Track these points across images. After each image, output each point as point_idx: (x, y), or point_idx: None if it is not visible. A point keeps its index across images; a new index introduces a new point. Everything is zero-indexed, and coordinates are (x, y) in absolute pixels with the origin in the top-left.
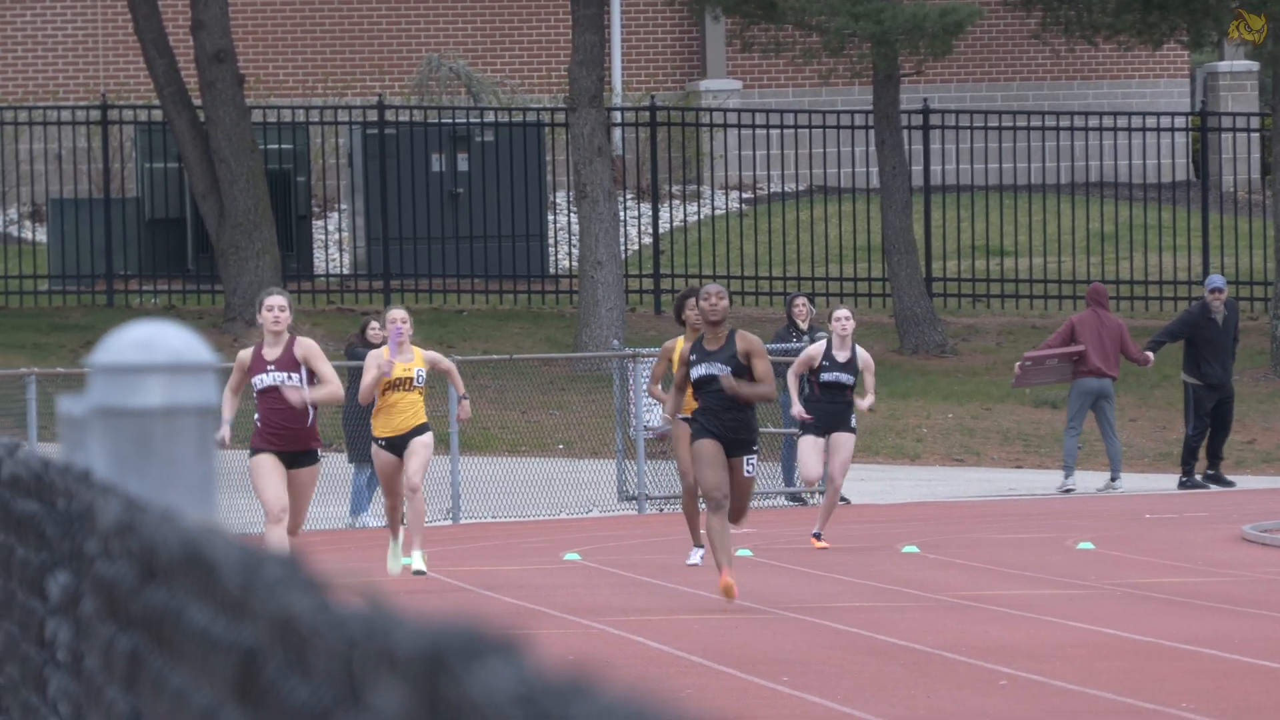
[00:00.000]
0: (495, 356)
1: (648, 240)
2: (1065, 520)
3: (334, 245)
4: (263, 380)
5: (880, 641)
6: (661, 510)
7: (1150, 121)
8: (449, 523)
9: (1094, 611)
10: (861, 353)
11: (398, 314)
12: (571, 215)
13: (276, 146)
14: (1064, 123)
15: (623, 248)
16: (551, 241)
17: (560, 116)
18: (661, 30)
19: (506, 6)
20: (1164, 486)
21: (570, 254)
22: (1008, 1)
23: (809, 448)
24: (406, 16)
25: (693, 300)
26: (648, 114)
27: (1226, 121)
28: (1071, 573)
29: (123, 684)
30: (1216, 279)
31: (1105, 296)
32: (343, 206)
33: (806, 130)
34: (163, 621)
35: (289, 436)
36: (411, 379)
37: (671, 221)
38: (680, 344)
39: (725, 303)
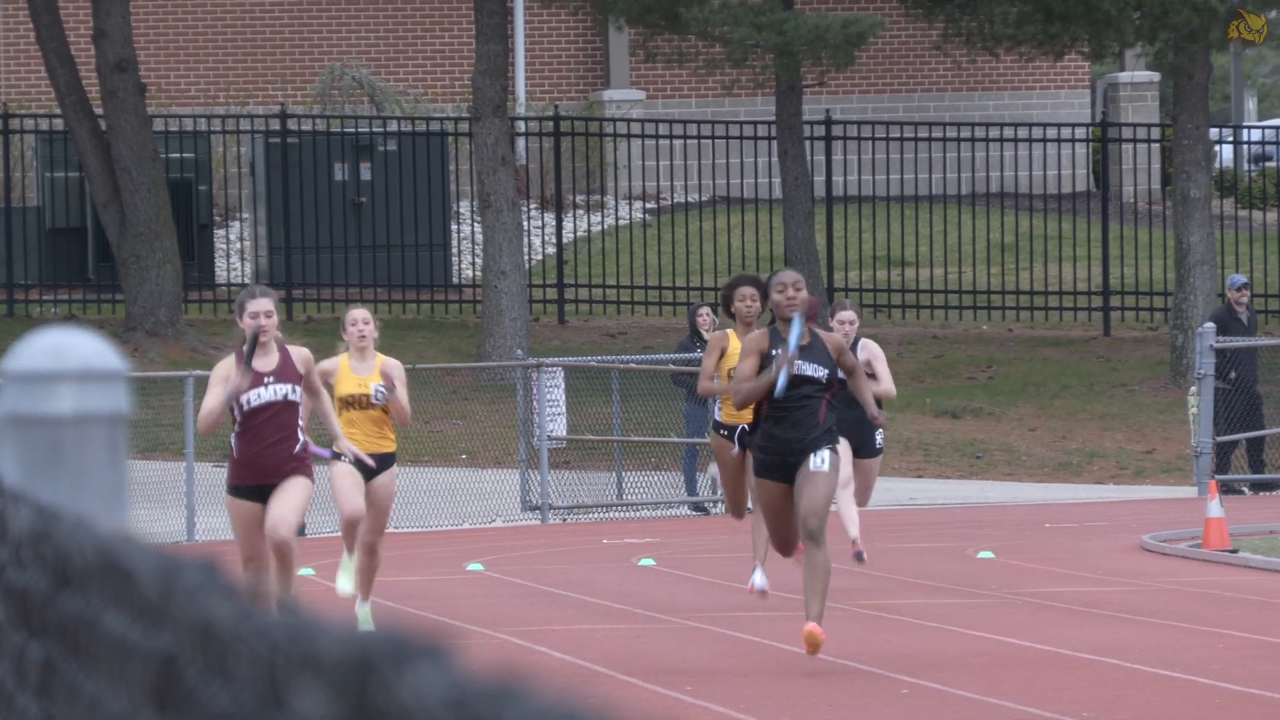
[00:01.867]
0: (406, 366)
1: (551, 250)
2: (966, 529)
3: (235, 254)
4: (260, 395)
5: (783, 651)
6: (565, 520)
7: (1051, 132)
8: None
9: (995, 620)
10: (871, 346)
11: (359, 314)
12: (475, 225)
13: (178, 155)
14: (965, 134)
15: (526, 257)
16: (455, 251)
17: (464, 126)
18: (565, 40)
19: (410, 16)
20: (1064, 496)
21: (474, 264)
22: (910, 13)
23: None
24: (309, 25)
25: (743, 289)
26: (551, 124)
27: (1127, 132)
28: (972, 582)
29: (35, 692)
30: (1238, 277)
31: (817, 309)
32: (244, 215)
33: (710, 140)
34: (77, 629)
35: (272, 467)
36: (368, 395)
37: (575, 231)
38: (734, 336)
39: (804, 294)
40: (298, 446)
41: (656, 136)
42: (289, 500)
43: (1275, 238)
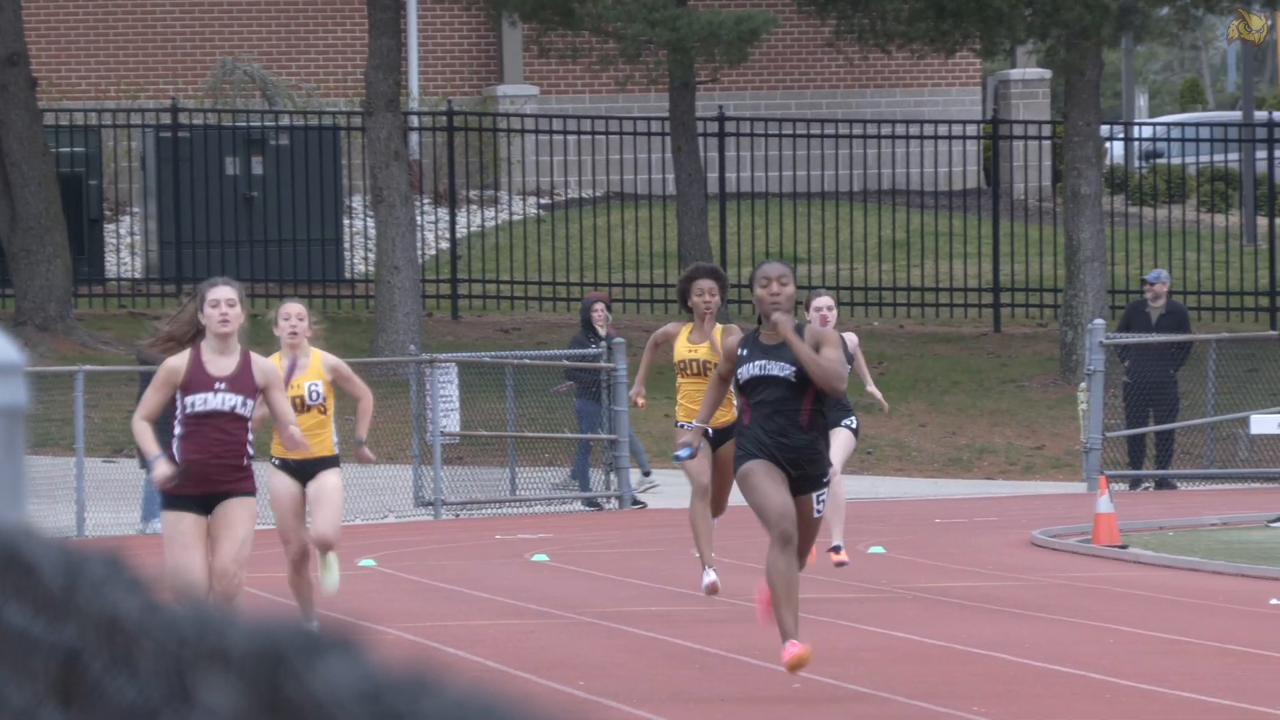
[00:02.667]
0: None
1: (445, 245)
2: (856, 525)
3: (126, 249)
4: (206, 401)
5: (675, 646)
6: (458, 516)
7: (942, 129)
8: None
9: (886, 615)
10: (848, 340)
11: (291, 309)
12: (368, 220)
13: (69, 150)
14: (857, 130)
15: (420, 253)
16: (348, 246)
17: (357, 120)
18: (459, 35)
19: (302, 10)
20: (954, 491)
21: (366, 259)
22: (802, 10)
23: None
24: (201, 20)
25: (701, 283)
26: (445, 119)
27: (1018, 129)
28: (863, 577)
29: None
30: (1156, 272)
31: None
32: (135, 210)
33: (604, 136)
34: None
35: (216, 479)
36: (303, 397)
37: (469, 226)
38: (685, 332)
39: (791, 289)
40: (244, 461)
41: (550, 132)
42: (235, 536)
43: (1166, 234)
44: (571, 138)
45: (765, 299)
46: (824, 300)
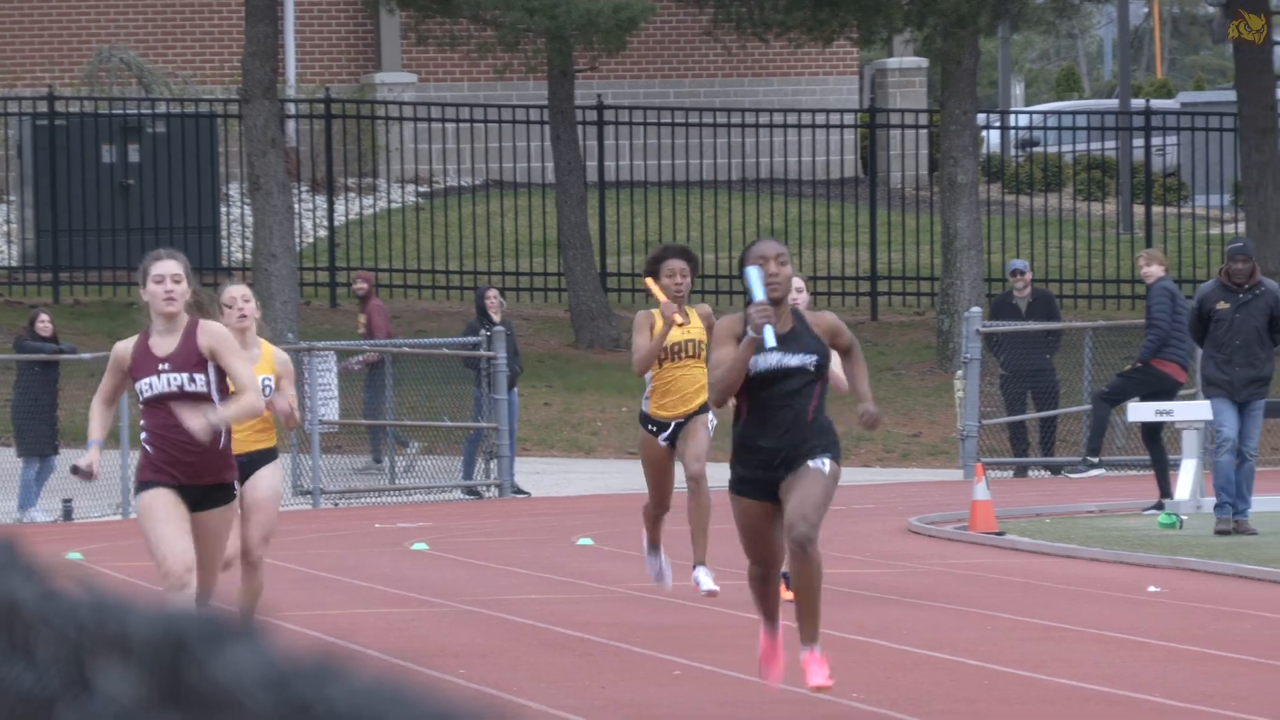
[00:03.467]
0: None
1: (323, 233)
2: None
3: (2, 237)
4: (152, 385)
5: (556, 633)
6: (337, 505)
7: (820, 118)
8: (119, 518)
9: None
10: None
11: (237, 292)
12: (245, 207)
13: None
14: (735, 119)
15: (297, 240)
16: (225, 234)
17: (233, 108)
18: (336, 22)
19: None
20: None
21: (244, 246)
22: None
23: None
24: (77, 7)
25: (672, 263)
26: (322, 106)
27: (895, 118)
28: (739, 563)
29: None
30: (1016, 262)
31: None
32: (11, 198)
33: (482, 124)
34: None
35: (193, 466)
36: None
37: (347, 214)
38: (659, 317)
39: (790, 269)
40: (220, 441)
41: (429, 120)
42: (212, 555)
43: (1042, 222)
44: (450, 125)
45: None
46: (796, 282)
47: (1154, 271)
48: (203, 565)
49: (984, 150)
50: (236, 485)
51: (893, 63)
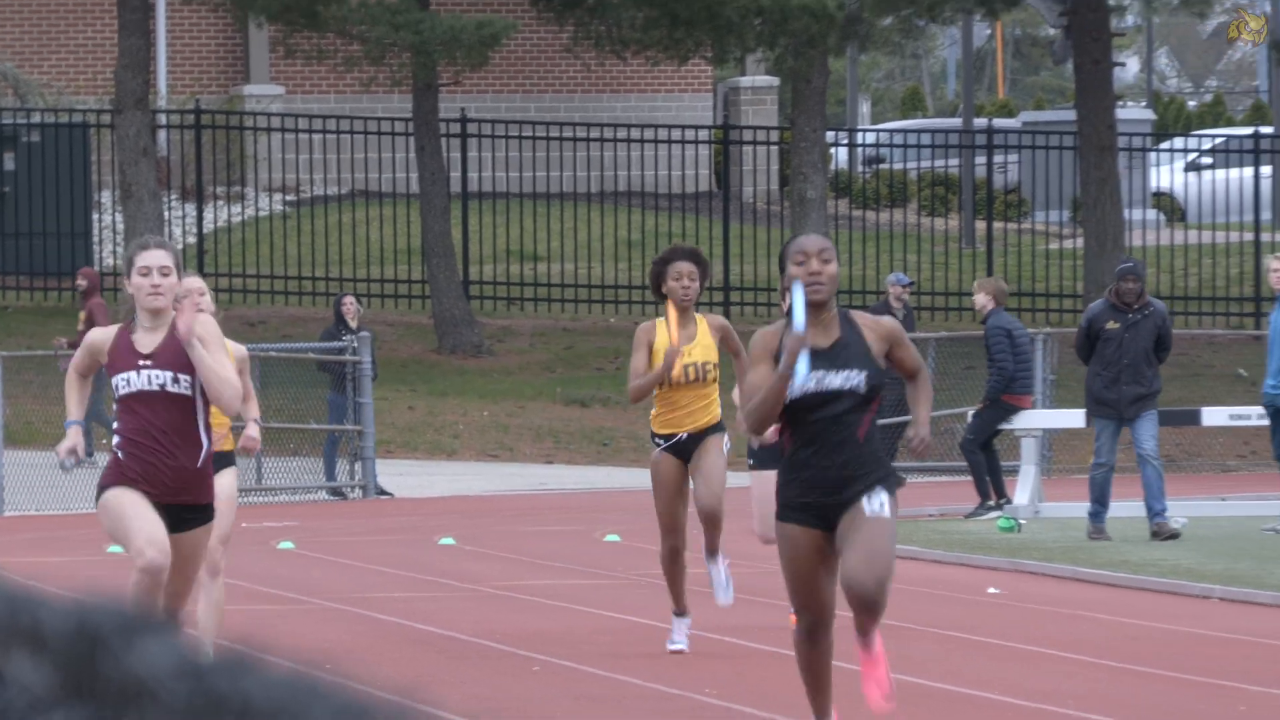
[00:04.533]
0: (39, 352)
1: (192, 240)
2: (593, 514)
3: None
4: (130, 381)
5: (419, 630)
6: None
7: (675, 134)
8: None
9: (621, 600)
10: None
11: (194, 284)
12: (117, 214)
13: None
14: (595, 134)
15: None
16: (97, 239)
17: (106, 118)
18: (206, 36)
19: (54, 10)
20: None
21: (115, 252)
22: (542, 16)
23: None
24: None
25: (679, 265)
26: (193, 117)
27: (747, 135)
28: (599, 564)
29: None
30: (901, 275)
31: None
32: None
33: (349, 135)
34: None
35: (168, 483)
36: None
37: (215, 222)
38: (661, 326)
39: (835, 267)
40: (201, 454)
41: (296, 131)
42: (186, 576)
43: (888, 237)
44: (317, 136)
45: (802, 279)
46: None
47: (982, 301)
48: (174, 585)
49: (832, 166)
50: (214, 504)
51: (745, 81)
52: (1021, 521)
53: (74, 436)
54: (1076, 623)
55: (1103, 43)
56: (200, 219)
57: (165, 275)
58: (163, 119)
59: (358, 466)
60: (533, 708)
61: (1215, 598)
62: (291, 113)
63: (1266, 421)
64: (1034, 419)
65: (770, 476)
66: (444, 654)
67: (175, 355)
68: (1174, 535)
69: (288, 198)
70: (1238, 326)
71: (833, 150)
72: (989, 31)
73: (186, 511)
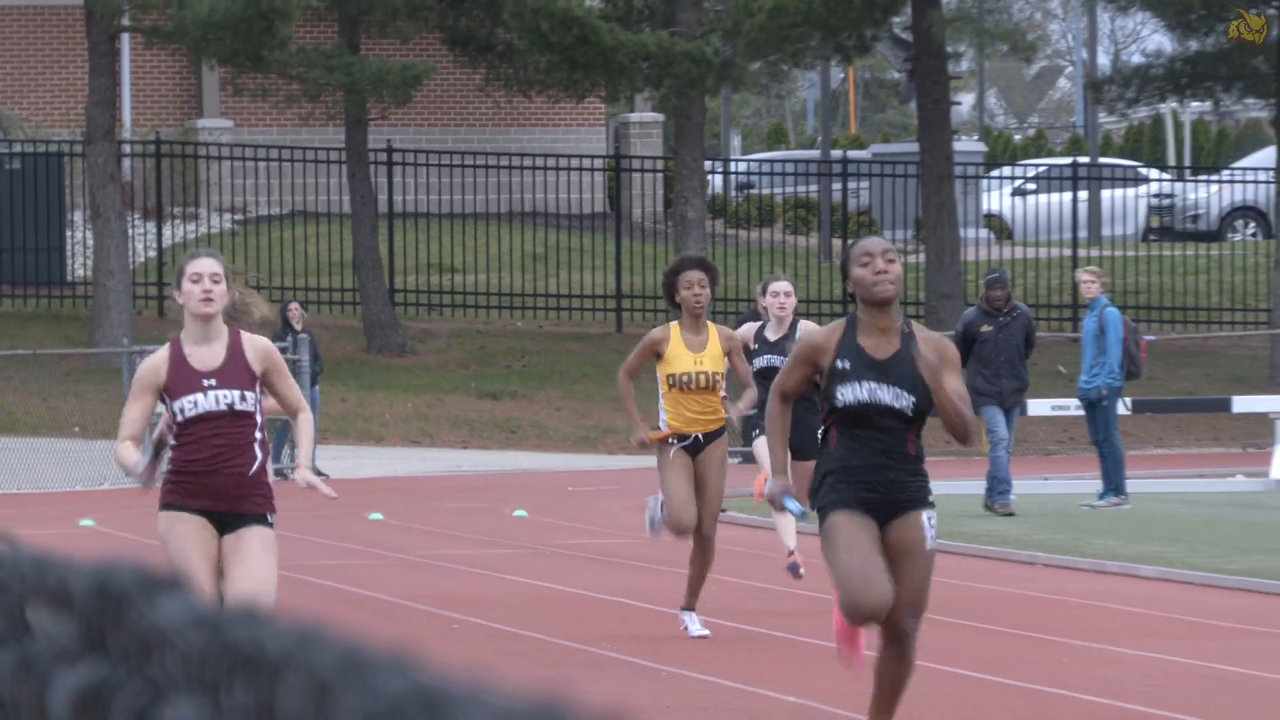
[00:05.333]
0: (20, 352)
1: (153, 254)
2: (504, 493)
3: None
4: (197, 404)
5: (352, 593)
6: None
7: (574, 162)
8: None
9: (530, 567)
10: (805, 325)
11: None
12: (87, 231)
13: None
14: (504, 162)
15: (131, 260)
16: (70, 254)
17: (79, 148)
18: (165, 76)
19: (33, 55)
20: (584, 464)
21: (86, 264)
22: (458, 59)
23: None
24: None
25: (690, 274)
26: (153, 147)
27: (636, 163)
28: (510, 536)
29: None
30: (782, 283)
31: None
32: None
33: (289, 163)
34: None
35: (226, 491)
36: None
37: (173, 238)
38: (677, 337)
39: (899, 268)
40: (254, 466)
41: (243, 159)
42: (251, 574)
43: (757, 252)
44: (262, 164)
45: (868, 280)
46: (782, 285)
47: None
48: (235, 588)
49: (709, 191)
50: (270, 517)
51: (634, 117)
52: None
53: (142, 464)
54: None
55: (941, 85)
56: (160, 235)
57: (215, 282)
58: (127, 149)
59: (296, 451)
60: (454, 661)
61: (1040, 564)
62: (239, 143)
63: (1082, 412)
64: None
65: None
66: (374, 614)
67: (239, 372)
68: (1010, 514)
69: (236, 217)
70: (1057, 329)
71: (710, 177)
72: (843, 75)
73: (239, 520)
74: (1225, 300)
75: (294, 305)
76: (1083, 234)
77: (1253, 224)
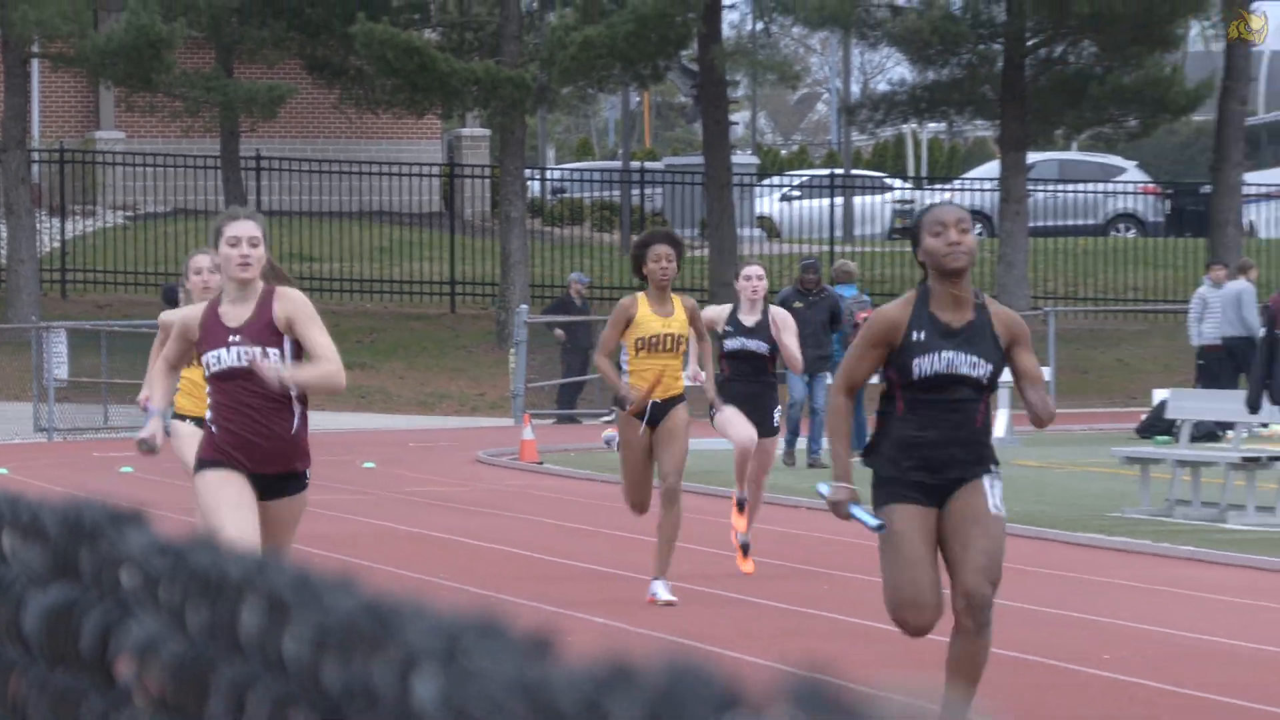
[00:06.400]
0: None
1: (57, 245)
2: (355, 448)
3: None
4: (221, 359)
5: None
6: (66, 439)
7: (416, 169)
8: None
9: (380, 511)
10: (776, 312)
11: (203, 261)
12: (1, 226)
13: None
14: (355, 169)
15: (39, 250)
16: None
17: None
18: (68, 94)
19: None
20: (425, 424)
21: (1, 254)
22: (317, 82)
23: (732, 412)
24: None
25: (658, 248)
26: (59, 154)
27: (468, 170)
28: (361, 484)
29: None
30: (579, 275)
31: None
32: None
33: (173, 168)
34: None
35: (263, 452)
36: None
37: (75, 231)
38: (643, 301)
39: (973, 239)
40: (294, 424)
41: (134, 165)
42: (285, 539)
43: (568, 247)
44: (150, 169)
45: (940, 250)
46: (754, 269)
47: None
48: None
49: (529, 194)
50: (308, 473)
51: (466, 131)
52: None
53: (154, 426)
54: (696, 525)
55: (722, 107)
56: (64, 229)
57: (254, 246)
58: (36, 156)
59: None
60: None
61: (804, 507)
62: (130, 151)
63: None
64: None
65: (732, 412)
66: None
67: (264, 328)
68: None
69: (127, 214)
70: None
71: (529, 183)
72: (639, 98)
73: (278, 481)
74: None
75: (181, 289)
76: (839, 233)
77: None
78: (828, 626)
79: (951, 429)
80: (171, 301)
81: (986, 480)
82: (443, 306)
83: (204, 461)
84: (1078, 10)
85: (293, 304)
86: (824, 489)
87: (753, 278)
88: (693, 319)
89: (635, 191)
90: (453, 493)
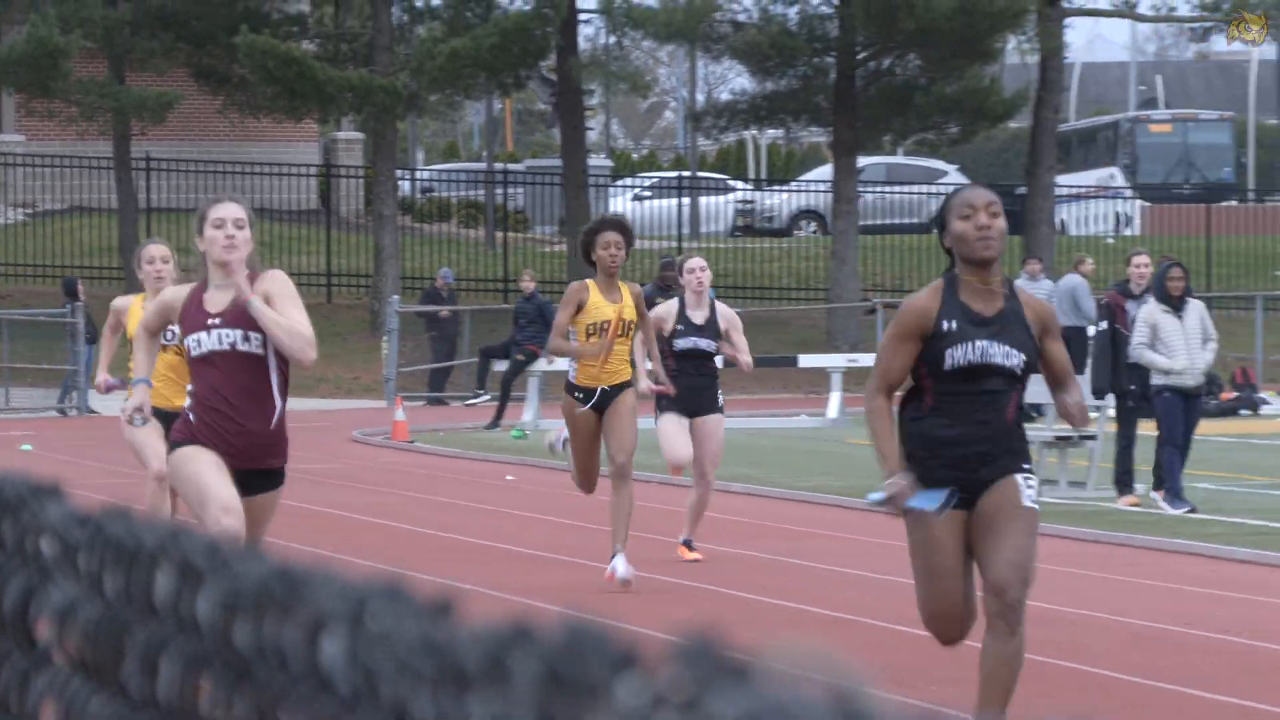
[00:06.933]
0: None
1: None
2: None
3: None
4: (201, 342)
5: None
6: None
7: (295, 169)
8: None
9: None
10: (724, 309)
11: (156, 250)
12: None
13: None
14: (240, 169)
15: None
16: None
17: None
18: None
19: None
20: (304, 407)
21: None
22: (203, 88)
23: (672, 426)
24: None
25: (607, 234)
26: None
27: (344, 171)
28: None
29: None
30: (444, 270)
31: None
32: None
33: (70, 169)
34: None
35: (241, 447)
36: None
37: None
38: (594, 287)
39: (1002, 222)
40: (275, 417)
41: (34, 165)
42: (258, 533)
43: (437, 242)
44: (48, 169)
45: (971, 235)
46: (697, 261)
47: (527, 285)
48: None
49: (399, 193)
50: (284, 469)
51: (341, 135)
52: (528, 432)
53: (141, 395)
54: (565, 499)
55: (578, 114)
56: None
57: (239, 228)
58: None
59: (74, 395)
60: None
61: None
62: (30, 153)
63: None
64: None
65: (674, 419)
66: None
67: (245, 313)
68: None
69: (27, 211)
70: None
71: (400, 183)
72: (501, 105)
73: (256, 478)
74: (793, 282)
75: (80, 282)
76: (686, 230)
77: (814, 224)
78: (749, 607)
79: (982, 423)
80: (71, 293)
81: (1019, 476)
82: (319, 297)
83: (178, 442)
84: (904, 26)
85: (274, 282)
86: (876, 496)
87: (696, 270)
88: (637, 303)
89: (499, 191)
90: (334, 469)
